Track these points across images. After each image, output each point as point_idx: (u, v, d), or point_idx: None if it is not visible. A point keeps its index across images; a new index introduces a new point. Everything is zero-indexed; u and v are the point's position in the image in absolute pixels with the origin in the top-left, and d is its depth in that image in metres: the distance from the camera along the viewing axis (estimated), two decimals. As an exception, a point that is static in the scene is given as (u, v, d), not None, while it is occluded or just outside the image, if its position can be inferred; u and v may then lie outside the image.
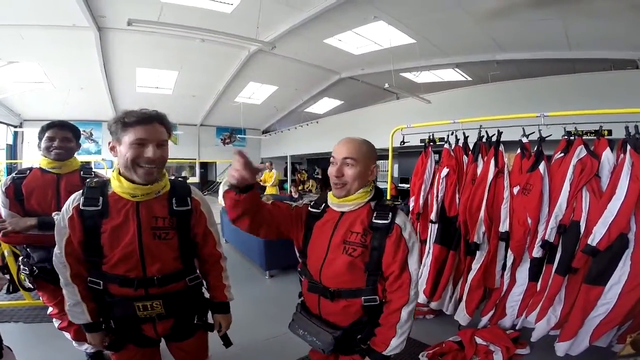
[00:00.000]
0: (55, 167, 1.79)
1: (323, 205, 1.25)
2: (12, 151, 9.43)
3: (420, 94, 7.20)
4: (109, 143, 1.16)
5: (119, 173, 1.14)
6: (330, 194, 1.23)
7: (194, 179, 12.05)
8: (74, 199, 1.15)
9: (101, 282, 1.15)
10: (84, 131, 10.29)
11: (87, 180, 1.20)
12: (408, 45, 6.40)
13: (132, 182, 1.12)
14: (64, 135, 1.80)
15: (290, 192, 8.64)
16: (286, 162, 12.99)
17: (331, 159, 1.19)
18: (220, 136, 12.70)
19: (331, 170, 1.17)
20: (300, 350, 2.07)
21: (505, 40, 5.92)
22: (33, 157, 9.53)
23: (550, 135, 2.29)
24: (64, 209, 1.16)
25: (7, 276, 1.74)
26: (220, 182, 7.59)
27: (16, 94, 7.70)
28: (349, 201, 1.17)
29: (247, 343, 2.38)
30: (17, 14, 5.01)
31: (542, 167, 2.20)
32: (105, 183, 1.18)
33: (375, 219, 1.13)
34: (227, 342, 1.41)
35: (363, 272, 1.12)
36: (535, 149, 2.29)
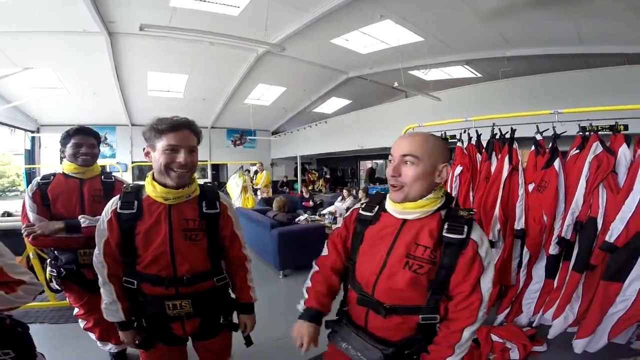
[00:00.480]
0: (79, 173, 1.85)
1: (377, 209, 1.12)
2: (30, 156, 9.68)
3: (430, 91, 7.16)
4: (144, 149, 1.22)
5: (153, 178, 1.20)
6: (389, 198, 1.08)
7: (206, 181, 12.15)
8: (113, 203, 1.22)
9: (135, 282, 1.21)
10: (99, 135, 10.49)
11: (124, 185, 1.26)
12: (416, 43, 6.36)
13: (165, 186, 1.18)
14: (90, 141, 1.87)
15: (301, 191, 8.68)
16: (296, 162, 13.05)
17: (389, 156, 1.04)
18: (230, 138, 12.80)
19: (388, 169, 1.03)
20: (314, 349, 2.10)
21: (514, 37, 5.84)
22: (50, 162, 9.79)
23: (565, 131, 2.29)
24: (103, 212, 1.22)
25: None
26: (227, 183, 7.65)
27: (32, 100, 7.90)
28: (415, 208, 1.00)
29: (261, 342, 2.41)
30: (30, 20, 5.12)
31: (557, 163, 2.20)
32: (140, 188, 1.24)
33: (447, 232, 0.98)
34: (248, 341, 1.45)
35: (425, 289, 0.99)
36: (550, 145, 2.29)
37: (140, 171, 10.57)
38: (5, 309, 1.15)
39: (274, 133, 13.60)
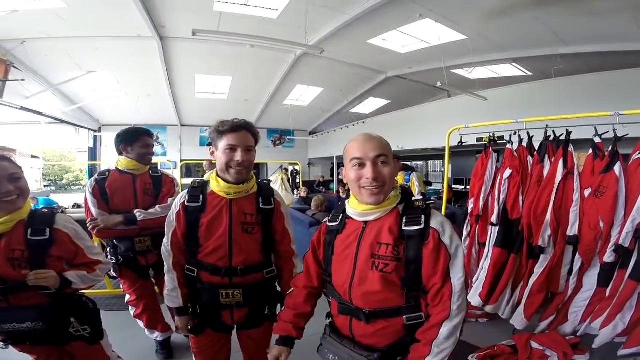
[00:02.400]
0: (134, 169, 2.04)
1: (341, 217, 1.12)
2: (93, 153, 10.64)
3: (475, 90, 6.89)
4: (210, 148, 1.37)
5: (217, 175, 1.34)
6: (351, 203, 1.08)
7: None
8: (181, 197, 1.37)
9: (196, 270, 1.34)
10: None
11: (192, 181, 1.42)
12: (458, 42, 6.15)
13: (227, 182, 1.31)
14: (152, 142, 2.13)
15: (338, 191, 8.75)
16: (332, 163, 13.13)
17: (352, 161, 1.01)
18: (271, 138, 13.17)
19: (361, 173, 1.00)
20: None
21: (567, 33, 5.47)
22: (111, 159, 10.69)
23: (627, 134, 2.15)
24: (173, 205, 1.38)
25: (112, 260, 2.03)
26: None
27: (95, 101, 8.65)
28: (377, 208, 1.01)
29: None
30: (91, 26, 5.56)
31: (617, 168, 2.08)
32: (205, 183, 1.38)
33: (406, 226, 0.98)
34: None
35: (400, 288, 0.98)
36: (610, 149, 2.16)
37: (188, 169, 11.23)
38: (87, 287, 1.33)
39: (312, 133, 13.76)
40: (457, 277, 0.95)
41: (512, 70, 7.43)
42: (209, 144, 1.38)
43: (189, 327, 1.40)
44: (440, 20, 5.53)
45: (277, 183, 6.92)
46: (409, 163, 13.13)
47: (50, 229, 1.24)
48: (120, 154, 2.07)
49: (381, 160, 0.99)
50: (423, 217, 0.97)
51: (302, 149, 13.88)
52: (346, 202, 1.11)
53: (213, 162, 1.39)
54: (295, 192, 7.81)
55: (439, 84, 6.06)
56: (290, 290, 1.28)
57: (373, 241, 1.00)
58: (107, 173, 2.04)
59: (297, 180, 8.43)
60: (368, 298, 0.99)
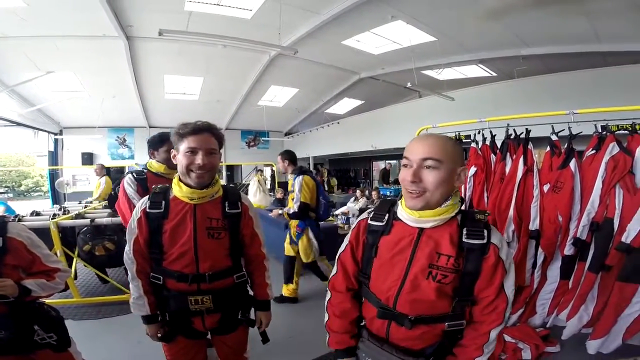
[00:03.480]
0: (165, 174, 2.12)
1: (387, 217, 1.05)
2: (54, 158, 10.06)
3: (444, 91, 7.11)
4: (171, 152, 1.31)
5: (179, 179, 1.29)
6: (402, 205, 1.01)
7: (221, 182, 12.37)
8: (142, 203, 1.30)
9: (161, 278, 1.29)
10: (118, 137, 10.90)
11: (153, 186, 1.35)
12: (428, 43, 6.35)
13: (189, 186, 1.26)
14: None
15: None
16: (308, 163, 13.13)
17: (403, 160, 0.96)
18: (245, 139, 13.00)
19: (404, 175, 0.94)
20: (322, 349, 2.14)
21: (529, 35, 5.76)
22: (73, 163, 10.15)
23: (581, 132, 2.27)
24: (134, 211, 1.31)
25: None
26: (246, 184, 7.77)
27: (55, 103, 8.21)
28: (434, 216, 0.95)
29: (275, 339, 2.49)
30: (52, 25, 5.32)
31: (573, 164, 2.19)
32: (167, 189, 1.32)
33: (467, 238, 0.94)
34: (265, 338, 1.51)
35: (450, 297, 0.96)
36: (566, 146, 2.28)
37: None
38: (47, 295, 1.30)
39: (287, 134, 13.72)
40: (510, 289, 0.96)
41: (478, 71, 7.74)
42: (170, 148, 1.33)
43: (159, 335, 1.35)
44: (410, 21, 5.67)
45: (254, 186, 6.81)
46: (382, 162, 13.49)
47: (4, 238, 1.22)
48: (150, 157, 2.19)
49: (428, 163, 0.91)
50: (485, 231, 0.95)
51: (278, 150, 13.64)
52: (398, 202, 1.04)
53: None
54: (271, 193, 7.74)
55: (409, 84, 6.20)
56: (328, 296, 1.17)
57: (432, 251, 0.95)
58: (143, 174, 2.09)
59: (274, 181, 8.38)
60: (416, 305, 0.97)
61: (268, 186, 10.54)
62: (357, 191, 7.24)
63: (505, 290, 0.96)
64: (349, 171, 15.94)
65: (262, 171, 8.47)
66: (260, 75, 8.10)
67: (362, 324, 1.12)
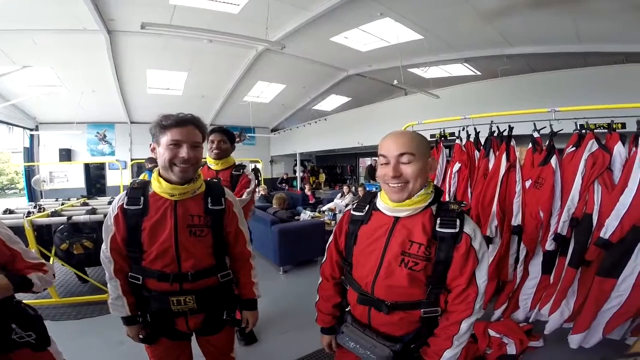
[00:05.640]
0: (213, 164, 2.27)
1: (367, 208, 1.12)
2: (29, 154, 9.68)
3: (429, 89, 7.17)
4: (150, 145, 1.24)
5: (159, 174, 1.22)
6: (382, 196, 1.08)
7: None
8: (119, 199, 1.24)
9: (141, 277, 1.23)
10: (98, 133, 10.58)
11: (131, 181, 1.29)
12: (416, 41, 6.38)
13: (170, 182, 1.20)
14: (220, 138, 2.25)
15: (303, 188, 8.68)
16: (295, 160, 13.08)
17: (379, 158, 1.04)
18: (230, 135, 12.82)
19: (384, 172, 1.01)
20: (314, 343, 2.14)
21: (513, 35, 5.87)
22: (50, 159, 9.79)
23: (562, 129, 2.31)
24: (110, 208, 1.25)
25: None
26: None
27: (31, 98, 7.88)
28: (408, 205, 1.01)
29: (263, 337, 2.47)
30: (29, 19, 5.11)
31: (553, 161, 2.22)
32: (147, 184, 1.25)
33: (440, 227, 0.99)
34: (251, 337, 1.47)
35: (424, 285, 1.01)
36: (547, 143, 2.31)
37: (140, 168, 10.60)
38: (43, 290, 1.27)
39: (274, 130, 13.61)
40: (481, 280, 1.00)
41: (463, 70, 7.85)
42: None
43: (141, 337, 1.29)
44: (399, 19, 5.68)
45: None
46: (368, 159, 13.55)
47: None
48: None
49: (405, 158, 0.98)
50: (458, 221, 0.99)
51: (264, 146, 13.68)
52: (378, 193, 1.11)
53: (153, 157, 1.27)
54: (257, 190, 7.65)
55: (395, 82, 6.21)
56: (319, 281, 1.28)
57: (405, 238, 1.01)
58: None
59: (259, 178, 8.28)
60: (391, 291, 1.03)
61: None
62: (344, 187, 7.23)
63: (476, 280, 0.99)
64: (335, 167, 15.98)
65: (246, 167, 8.35)
66: (247, 70, 7.98)
67: (347, 309, 1.18)
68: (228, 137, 2.25)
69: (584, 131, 2.22)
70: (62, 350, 1.42)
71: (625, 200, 1.88)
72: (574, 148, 2.23)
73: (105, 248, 1.24)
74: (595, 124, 2.23)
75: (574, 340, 2.08)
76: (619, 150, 2.05)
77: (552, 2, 4.65)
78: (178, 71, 7.98)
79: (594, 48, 5.55)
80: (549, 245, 2.25)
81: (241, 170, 2.24)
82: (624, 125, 2.18)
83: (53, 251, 3.11)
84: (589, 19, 4.84)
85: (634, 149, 1.97)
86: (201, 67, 7.79)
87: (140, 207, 1.20)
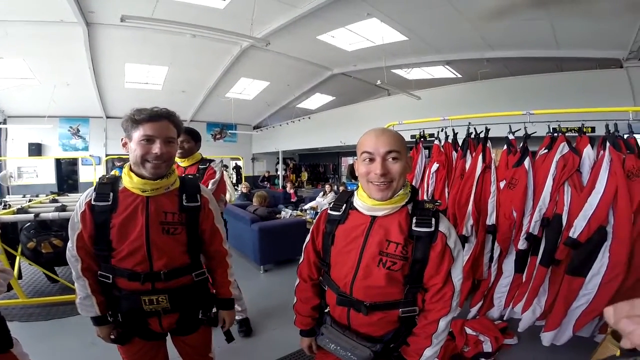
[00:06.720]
0: (180, 161, 2.30)
1: (344, 207, 1.10)
2: (-4, 148, 9.20)
3: (411, 90, 7.27)
4: (122, 139, 1.18)
5: (130, 169, 1.17)
6: (360, 195, 1.06)
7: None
8: (87, 195, 1.18)
9: (110, 276, 1.17)
10: (71, 127, 10.17)
11: (100, 176, 1.23)
12: (400, 42, 6.45)
13: (142, 177, 1.15)
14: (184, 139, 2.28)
15: (285, 186, 8.63)
16: (277, 158, 12.98)
17: (363, 155, 1.00)
18: (210, 132, 12.59)
19: (368, 169, 0.99)
20: (294, 343, 2.12)
21: (494, 39, 6.01)
22: (18, 154, 9.32)
23: (535, 132, 2.38)
24: (77, 204, 1.18)
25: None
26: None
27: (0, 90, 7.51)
28: (387, 204, 1.00)
29: (242, 337, 2.44)
30: (3, 9, 4.89)
31: (527, 162, 2.28)
32: (117, 179, 1.20)
33: (416, 227, 0.99)
34: (229, 337, 1.43)
35: (402, 284, 1.01)
36: (521, 145, 2.37)
37: (114, 164, 10.29)
38: None
39: (256, 127, 13.47)
40: (457, 278, 1.00)
41: (445, 72, 8.00)
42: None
43: (112, 337, 1.24)
44: (385, 20, 5.72)
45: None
46: (350, 158, 13.61)
47: None
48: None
49: (392, 156, 0.97)
50: (433, 219, 0.99)
51: (246, 143, 13.53)
52: (355, 193, 1.09)
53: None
54: (237, 187, 7.55)
55: (379, 82, 6.26)
56: (297, 282, 1.25)
57: (382, 238, 1.00)
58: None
59: (240, 176, 8.19)
60: (369, 291, 1.02)
61: (234, 180, 10.31)
62: (326, 186, 7.22)
63: (452, 279, 1.00)
64: (318, 166, 15.97)
65: (226, 166, 8.23)
66: (230, 66, 7.85)
67: (326, 310, 1.16)
68: (192, 136, 2.29)
69: (556, 134, 2.28)
70: (30, 352, 1.35)
71: (593, 201, 1.95)
72: (546, 150, 2.29)
73: (71, 246, 1.18)
74: (567, 128, 2.30)
75: (546, 338, 2.13)
76: (588, 153, 2.13)
77: (532, 5, 4.76)
78: (158, 65, 7.76)
79: (569, 53, 5.75)
80: (522, 245, 2.31)
81: (207, 164, 2.30)
82: (593, 130, 2.26)
83: (19, 250, 2.97)
84: (567, 24, 4.99)
85: (601, 151, 2.04)
86: (183, 61, 7.61)
87: (109, 203, 1.14)
